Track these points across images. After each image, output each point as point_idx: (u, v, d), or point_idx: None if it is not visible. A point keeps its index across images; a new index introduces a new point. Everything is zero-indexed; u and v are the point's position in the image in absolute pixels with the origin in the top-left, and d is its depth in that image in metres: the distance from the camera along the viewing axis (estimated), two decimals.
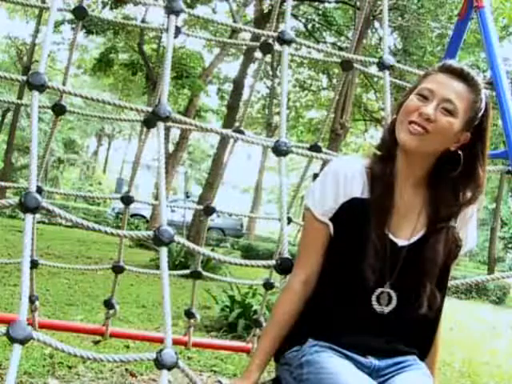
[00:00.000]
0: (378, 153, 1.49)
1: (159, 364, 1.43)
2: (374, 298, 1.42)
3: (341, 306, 1.42)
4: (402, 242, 1.43)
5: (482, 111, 1.42)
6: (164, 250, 1.56)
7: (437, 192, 1.45)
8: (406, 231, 1.44)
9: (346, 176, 1.44)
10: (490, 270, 16.51)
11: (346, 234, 1.43)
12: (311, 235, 1.48)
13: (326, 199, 1.45)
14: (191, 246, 1.76)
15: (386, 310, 1.42)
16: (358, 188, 1.44)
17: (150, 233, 1.59)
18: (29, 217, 1.48)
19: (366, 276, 1.38)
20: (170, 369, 1.44)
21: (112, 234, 1.67)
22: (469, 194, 1.45)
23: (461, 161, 1.42)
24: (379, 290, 1.42)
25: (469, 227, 1.51)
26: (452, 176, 1.43)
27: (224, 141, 10.31)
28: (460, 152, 1.43)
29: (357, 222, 1.42)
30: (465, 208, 1.46)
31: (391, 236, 1.43)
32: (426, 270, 1.42)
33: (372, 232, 1.39)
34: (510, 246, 31.56)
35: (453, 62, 1.44)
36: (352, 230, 1.42)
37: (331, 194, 1.44)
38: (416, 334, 1.47)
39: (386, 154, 1.46)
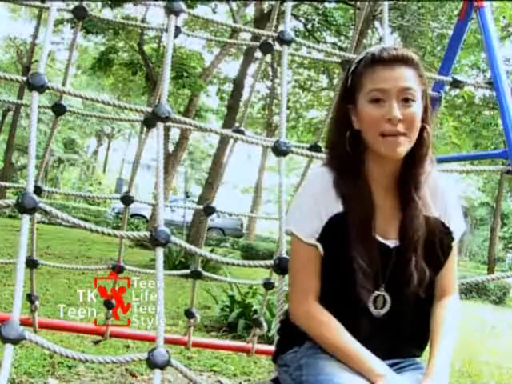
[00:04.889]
0: (336, 167, 1.45)
1: (151, 363, 1.44)
2: (370, 302, 1.42)
3: (337, 312, 1.41)
4: (392, 243, 1.43)
5: (425, 78, 1.43)
6: (160, 251, 1.56)
7: (405, 183, 1.44)
8: (394, 231, 1.44)
9: (323, 193, 1.41)
10: (490, 270, 16.52)
11: (336, 250, 1.41)
12: (304, 259, 1.43)
13: (309, 221, 1.41)
14: (188, 246, 1.76)
15: (382, 312, 1.43)
16: (337, 203, 1.41)
17: (147, 233, 1.59)
18: (26, 217, 1.48)
19: (358, 292, 1.37)
20: (162, 368, 1.44)
21: (109, 234, 1.67)
22: (418, 159, 1.43)
23: (425, 132, 1.42)
24: (375, 294, 1.42)
25: (450, 213, 1.49)
26: (415, 151, 1.42)
27: (224, 141, 10.30)
28: (425, 125, 1.42)
29: (344, 236, 1.39)
30: (423, 174, 1.44)
31: (381, 239, 1.42)
32: (409, 254, 1.41)
33: (356, 247, 1.37)
34: (510, 245, 31.55)
35: (379, 52, 1.40)
36: (340, 245, 1.39)
37: (313, 215, 1.41)
38: (412, 332, 1.47)
39: (351, 168, 1.43)
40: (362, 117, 1.41)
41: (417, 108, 1.39)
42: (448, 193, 1.51)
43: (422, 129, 1.42)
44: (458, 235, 1.50)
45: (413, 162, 1.43)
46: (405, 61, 1.39)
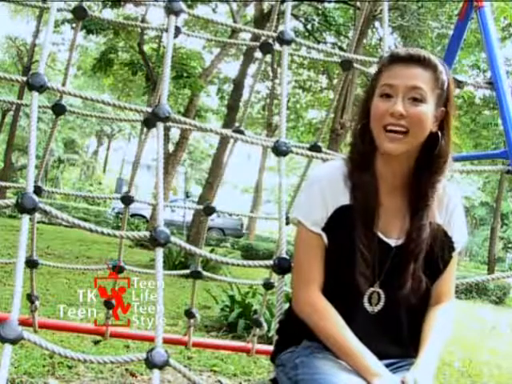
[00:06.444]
0: (353, 159, 1.47)
1: (150, 363, 1.44)
2: (365, 298, 1.42)
3: (335, 305, 1.41)
4: (393, 241, 1.44)
5: (446, 83, 1.41)
6: (160, 251, 1.56)
7: (420, 188, 1.44)
8: (396, 231, 1.44)
9: (332, 185, 1.43)
10: (490, 270, 16.52)
11: (339, 241, 1.42)
12: (308, 248, 1.45)
13: (316, 210, 1.43)
14: (187, 246, 1.76)
15: (376, 309, 1.43)
16: (344, 195, 1.43)
17: (147, 233, 1.59)
18: (25, 217, 1.48)
19: (357, 280, 1.38)
20: (160, 368, 1.44)
21: (109, 234, 1.67)
22: (437, 166, 1.43)
23: (439, 139, 1.41)
24: (370, 290, 1.42)
25: (454, 223, 1.49)
26: (434, 157, 1.41)
27: (224, 141, 10.31)
28: (438, 131, 1.41)
29: (348, 229, 1.40)
30: (437, 185, 1.43)
31: (382, 236, 1.43)
32: (408, 261, 1.41)
33: (359, 236, 1.39)
34: (510, 245, 31.55)
35: (399, 50, 1.43)
36: (344, 237, 1.41)
37: (320, 205, 1.43)
38: (406, 331, 1.47)
39: (362, 160, 1.45)
40: (371, 110, 1.42)
41: (425, 109, 1.37)
42: (454, 202, 1.50)
43: (438, 135, 1.41)
44: (460, 246, 1.50)
45: (431, 170, 1.42)
46: (421, 61, 1.39)
